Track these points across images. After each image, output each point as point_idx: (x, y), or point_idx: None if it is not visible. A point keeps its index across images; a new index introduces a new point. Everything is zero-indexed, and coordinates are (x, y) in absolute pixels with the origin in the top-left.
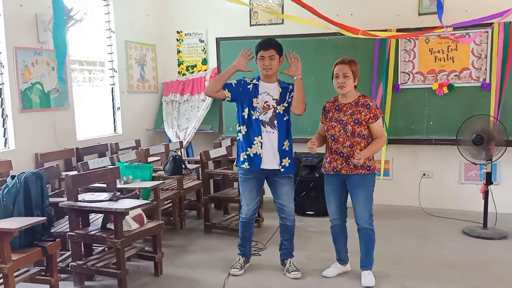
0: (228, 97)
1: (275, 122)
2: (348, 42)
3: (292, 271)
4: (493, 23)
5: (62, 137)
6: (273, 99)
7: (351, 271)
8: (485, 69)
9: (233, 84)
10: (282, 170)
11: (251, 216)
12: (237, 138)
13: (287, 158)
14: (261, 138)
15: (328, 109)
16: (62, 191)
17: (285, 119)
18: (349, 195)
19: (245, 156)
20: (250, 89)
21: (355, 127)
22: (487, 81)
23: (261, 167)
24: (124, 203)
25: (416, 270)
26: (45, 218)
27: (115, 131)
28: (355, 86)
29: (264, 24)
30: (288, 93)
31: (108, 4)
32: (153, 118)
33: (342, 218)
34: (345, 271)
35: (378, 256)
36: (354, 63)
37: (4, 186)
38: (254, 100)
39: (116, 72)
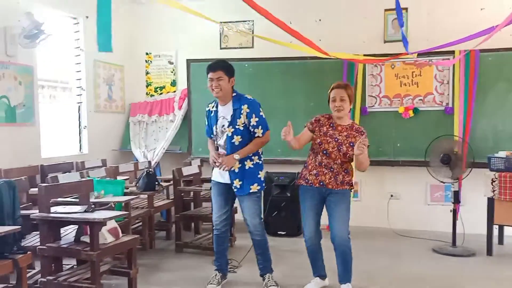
0: None
1: (226, 145)
2: (316, 66)
3: (270, 286)
4: (454, 51)
5: (27, 153)
6: (227, 121)
7: (329, 285)
8: (448, 94)
9: (206, 126)
10: (235, 190)
11: (222, 227)
12: None
13: (237, 180)
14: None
15: (322, 123)
16: (29, 205)
17: (233, 141)
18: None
19: (215, 171)
20: (212, 116)
21: (349, 149)
22: (450, 105)
23: (215, 180)
24: (101, 214)
25: (391, 286)
26: (20, 226)
27: (80, 150)
28: (349, 110)
29: (234, 48)
30: (240, 114)
31: (78, 23)
32: (120, 139)
33: (318, 237)
34: (324, 285)
35: (353, 273)
36: (349, 87)
37: None
38: (214, 127)
39: (84, 90)
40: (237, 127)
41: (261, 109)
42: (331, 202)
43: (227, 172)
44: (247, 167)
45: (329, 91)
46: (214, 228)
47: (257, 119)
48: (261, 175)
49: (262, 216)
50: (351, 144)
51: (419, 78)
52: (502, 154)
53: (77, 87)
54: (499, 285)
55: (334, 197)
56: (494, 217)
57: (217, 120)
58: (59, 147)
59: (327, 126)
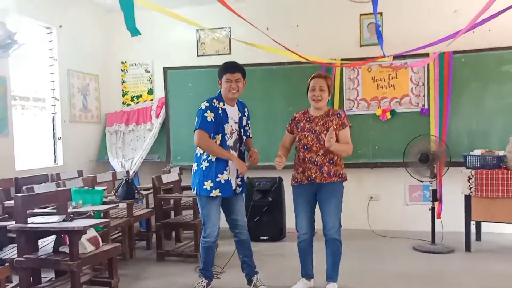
0: None
1: (238, 145)
2: (295, 71)
3: (260, 286)
4: (428, 53)
5: (0, 166)
6: (235, 123)
7: (313, 286)
8: (423, 96)
9: (212, 120)
10: (239, 190)
11: (216, 237)
12: (198, 166)
13: (238, 179)
14: (230, 163)
15: (298, 119)
16: (5, 217)
17: (243, 141)
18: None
19: (212, 184)
20: (221, 114)
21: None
22: (426, 106)
23: (216, 194)
24: (80, 222)
25: (376, 284)
26: None
27: (55, 162)
28: (327, 102)
29: (212, 55)
30: (245, 118)
31: (51, 32)
32: (96, 149)
33: (311, 232)
34: (310, 287)
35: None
36: (329, 78)
37: None
38: (226, 126)
39: (58, 100)
40: (245, 128)
41: None
42: (321, 197)
43: (235, 177)
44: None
45: (309, 80)
46: (207, 240)
47: (249, 120)
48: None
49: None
50: (328, 129)
51: (395, 81)
52: (477, 152)
53: (51, 98)
54: (479, 279)
55: (324, 192)
56: (472, 214)
57: (228, 120)
58: (34, 159)
59: (304, 121)
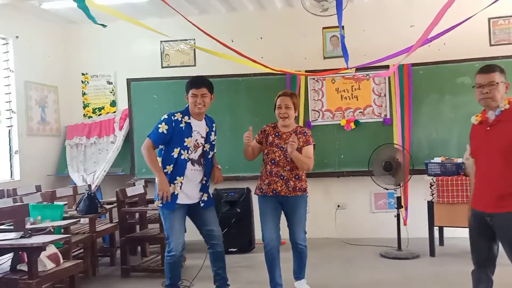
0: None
1: (202, 160)
2: (260, 82)
3: None
4: (388, 65)
5: None
6: (201, 137)
7: None
8: (385, 106)
9: (164, 132)
10: (202, 205)
11: (182, 252)
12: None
13: (205, 194)
14: (183, 178)
15: (268, 133)
16: None
17: (209, 157)
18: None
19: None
20: (183, 128)
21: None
22: (388, 116)
23: (182, 202)
24: (39, 239)
25: None
26: None
27: (11, 177)
28: (295, 118)
29: (177, 66)
30: (213, 134)
31: (7, 43)
32: (55, 163)
33: (278, 239)
34: None
35: (308, 282)
36: (295, 95)
37: None
38: (187, 140)
39: (14, 113)
40: (212, 143)
41: None
42: (288, 208)
43: (194, 191)
44: (207, 184)
45: (276, 98)
46: (172, 255)
47: (215, 136)
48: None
49: None
50: (298, 148)
51: (359, 92)
52: (437, 159)
53: (7, 110)
54: (443, 283)
55: (290, 203)
56: (435, 219)
57: (191, 134)
58: None
59: (273, 135)
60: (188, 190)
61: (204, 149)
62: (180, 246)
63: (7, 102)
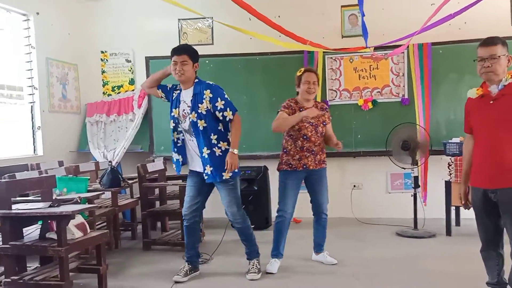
0: (162, 97)
1: (192, 130)
2: (277, 61)
3: (249, 273)
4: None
5: None
6: (188, 106)
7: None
8: (403, 86)
9: (167, 87)
10: (206, 177)
11: (191, 218)
12: None
13: (208, 166)
14: (182, 143)
15: (294, 108)
16: None
17: (199, 126)
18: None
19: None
20: (173, 98)
21: (323, 128)
22: (406, 96)
23: (192, 169)
24: (68, 207)
25: (360, 267)
26: None
27: (34, 152)
28: None
29: (194, 44)
30: (203, 100)
31: (28, 19)
32: (76, 140)
33: (292, 215)
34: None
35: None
36: (317, 73)
37: None
38: (174, 110)
39: (36, 89)
40: (199, 111)
41: (225, 93)
42: (313, 180)
43: (197, 160)
44: (216, 154)
45: (300, 74)
46: (183, 219)
47: (223, 101)
48: None
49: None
50: (324, 123)
51: (377, 71)
52: (456, 140)
53: (29, 86)
54: (459, 260)
55: (316, 176)
56: (452, 199)
57: (179, 104)
58: (12, 148)
59: (298, 111)
60: (192, 160)
61: (191, 119)
62: (189, 211)
63: (29, 78)
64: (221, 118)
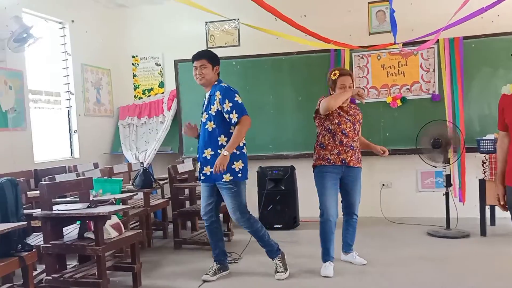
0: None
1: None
2: (303, 60)
3: (277, 272)
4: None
5: (20, 158)
6: (203, 108)
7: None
8: (434, 82)
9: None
10: (202, 178)
11: (208, 218)
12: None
13: (208, 167)
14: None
15: None
16: (28, 206)
17: (206, 127)
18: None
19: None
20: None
21: (359, 127)
22: (437, 92)
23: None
24: (105, 208)
25: (393, 266)
26: (26, 223)
27: (71, 155)
28: None
29: (221, 46)
30: (214, 101)
31: (64, 27)
32: (110, 142)
33: (337, 215)
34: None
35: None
36: (351, 73)
37: None
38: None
39: (73, 94)
40: (210, 112)
41: (237, 95)
42: (349, 179)
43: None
44: (208, 157)
45: (335, 77)
46: (203, 219)
47: (230, 104)
48: (237, 165)
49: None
50: (359, 122)
51: (405, 68)
52: (490, 136)
53: (66, 92)
54: (495, 262)
55: (353, 175)
56: (486, 198)
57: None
58: (51, 151)
59: (335, 112)
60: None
61: (202, 120)
62: (204, 212)
63: (65, 84)
64: (228, 120)
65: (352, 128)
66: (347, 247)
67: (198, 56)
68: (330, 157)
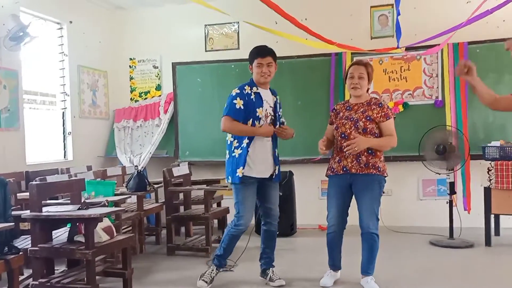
0: (241, 106)
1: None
2: (304, 64)
3: (277, 280)
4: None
5: (11, 158)
6: (270, 107)
7: (340, 278)
8: (437, 87)
9: (241, 107)
10: (274, 178)
11: (247, 227)
12: (230, 154)
13: (278, 166)
14: (254, 151)
15: (338, 110)
16: (18, 208)
17: (277, 126)
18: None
19: (243, 171)
20: (254, 99)
21: (367, 124)
22: (440, 98)
23: (254, 175)
24: (96, 210)
25: (395, 277)
26: (13, 224)
27: (65, 157)
28: (367, 90)
29: (220, 50)
30: (278, 106)
31: (62, 28)
32: (104, 145)
33: (341, 225)
34: (337, 278)
35: (353, 266)
36: (370, 65)
37: None
38: (259, 110)
39: (68, 96)
40: (279, 114)
41: None
42: (357, 188)
43: (267, 163)
44: (277, 155)
45: (348, 67)
46: (238, 228)
47: (281, 109)
48: None
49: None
50: (368, 118)
51: (408, 73)
52: (496, 143)
53: (61, 93)
54: (501, 273)
55: (361, 183)
56: (492, 207)
57: (262, 103)
58: (44, 153)
59: (343, 110)
60: (260, 163)
61: (273, 118)
62: (249, 221)
63: (61, 85)
64: (279, 120)
65: (353, 128)
66: (362, 268)
67: (266, 52)
68: (333, 166)
